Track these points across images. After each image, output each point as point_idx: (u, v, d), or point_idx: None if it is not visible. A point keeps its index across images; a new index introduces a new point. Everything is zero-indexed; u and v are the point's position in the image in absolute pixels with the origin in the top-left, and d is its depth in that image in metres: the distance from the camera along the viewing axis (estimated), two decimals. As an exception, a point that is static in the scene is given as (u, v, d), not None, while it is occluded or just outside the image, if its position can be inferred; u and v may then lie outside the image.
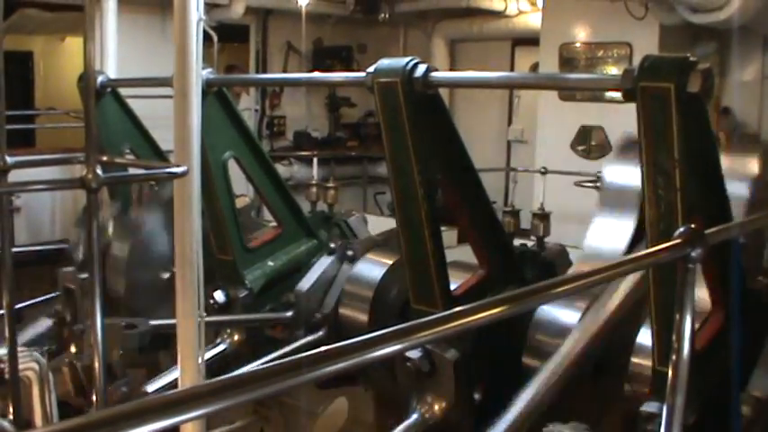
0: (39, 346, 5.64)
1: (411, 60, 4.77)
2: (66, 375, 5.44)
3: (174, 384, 5.24)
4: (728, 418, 4.02)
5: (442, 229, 5.03)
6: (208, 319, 4.82)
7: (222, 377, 1.59)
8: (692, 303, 2.66)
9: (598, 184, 9.48)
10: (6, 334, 4.14)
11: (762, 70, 11.89)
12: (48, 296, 7.18)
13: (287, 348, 5.87)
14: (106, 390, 4.30)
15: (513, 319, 4.33)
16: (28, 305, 7.04)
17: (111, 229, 7.26)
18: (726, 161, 4.42)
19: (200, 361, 3.98)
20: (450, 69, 15.44)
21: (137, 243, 7.00)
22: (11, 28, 13.09)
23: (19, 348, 4.56)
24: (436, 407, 4.84)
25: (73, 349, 5.52)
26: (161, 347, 6.21)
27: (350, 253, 6.29)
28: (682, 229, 2.65)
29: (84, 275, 5.58)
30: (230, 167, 6.46)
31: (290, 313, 6.24)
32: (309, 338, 6.05)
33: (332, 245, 6.51)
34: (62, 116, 13.43)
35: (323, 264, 6.38)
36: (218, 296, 6.24)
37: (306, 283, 6.31)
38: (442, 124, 5.00)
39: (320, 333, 6.10)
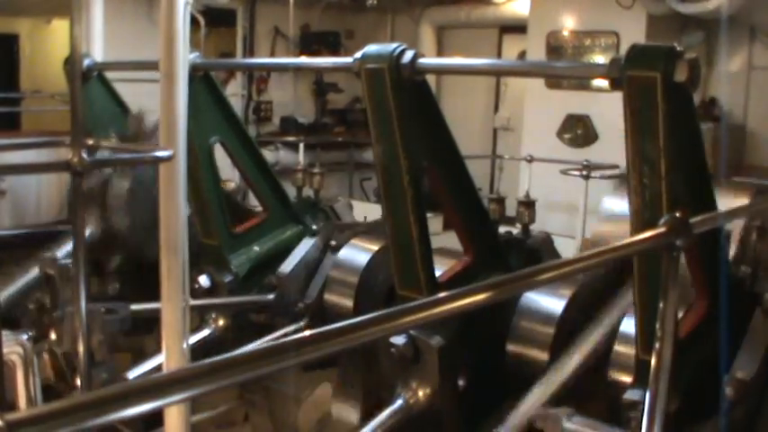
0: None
1: (398, 46, 4.77)
2: (47, 362, 5.43)
3: (158, 369, 5.23)
4: (712, 406, 4.05)
5: (428, 215, 5.04)
6: (193, 302, 4.82)
7: (206, 360, 1.59)
8: (675, 292, 2.68)
9: (584, 173, 9.53)
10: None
11: (748, 60, 11.93)
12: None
13: (273, 335, 5.87)
14: (90, 373, 4.30)
15: (498, 305, 4.34)
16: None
17: None
18: None
19: (184, 345, 3.97)
20: (438, 56, 15.42)
21: (137, 177, 6.96)
22: (-4, 10, 13.04)
23: (3, 332, 4.55)
24: (420, 393, 4.86)
25: (53, 336, 5.50)
26: (146, 332, 6.21)
27: (333, 243, 6.29)
28: (666, 218, 2.66)
29: (66, 261, 5.57)
30: (216, 152, 6.45)
31: (271, 296, 6.25)
32: (294, 326, 6.05)
33: (314, 227, 6.52)
34: (48, 99, 13.39)
35: (305, 246, 6.39)
36: (203, 281, 6.24)
37: (287, 265, 6.32)
38: (428, 111, 5.00)
39: (303, 322, 6.10)
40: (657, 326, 2.71)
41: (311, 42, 16.06)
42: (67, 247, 6.83)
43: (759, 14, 10.54)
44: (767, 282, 4.79)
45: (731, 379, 4.19)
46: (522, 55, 13.72)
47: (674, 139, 3.83)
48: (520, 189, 10.04)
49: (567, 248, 7.93)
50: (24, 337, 4.64)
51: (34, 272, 6.48)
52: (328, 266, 6.23)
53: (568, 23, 12.06)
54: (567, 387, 4.12)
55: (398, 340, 4.80)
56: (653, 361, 2.73)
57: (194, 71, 5.90)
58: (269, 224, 6.71)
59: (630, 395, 4.02)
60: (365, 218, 7.75)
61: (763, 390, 4.33)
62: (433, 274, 4.99)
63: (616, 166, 8.44)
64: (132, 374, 5.48)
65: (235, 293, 6.29)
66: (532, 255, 5.79)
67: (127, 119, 7.40)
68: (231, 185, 7.50)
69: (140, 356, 6.01)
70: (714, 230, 3.87)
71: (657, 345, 2.71)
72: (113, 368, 5.50)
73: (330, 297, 6.11)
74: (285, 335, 5.82)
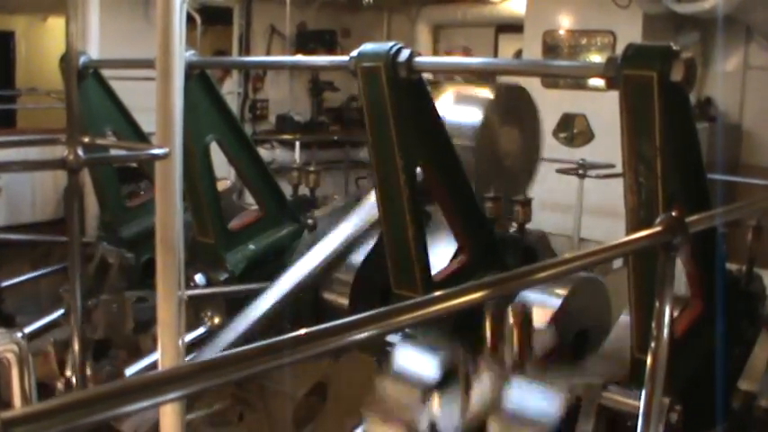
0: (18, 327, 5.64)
1: (394, 45, 4.77)
2: (52, 357, 5.47)
3: (154, 367, 5.23)
4: (708, 404, 4.05)
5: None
6: (189, 292, 4.83)
7: (202, 359, 1.59)
8: (671, 291, 2.68)
9: (580, 172, 9.52)
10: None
11: (744, 60, 11.93)
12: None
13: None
14: (83, 372, 4.29)
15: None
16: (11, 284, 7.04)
17: None
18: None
19: (180, 343, 3.97)
20: (434, 55, 15.41)
21: None
22: (-8, 7, 13.01)
23: (-2, 330, 4.55)
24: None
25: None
26: (141, 330, 6.20)
27: (310, 221, 6.33)
28: (662, 217, 2.66)
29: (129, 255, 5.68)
30: (212, 150, 6.44)
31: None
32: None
33: (310, 221, 6.54)
34: (44, 97, 13.32)
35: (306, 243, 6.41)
36: (199, 279, 6.23)
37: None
38: (424, 109, 5.00)
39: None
40: (653, 325, 2.71)
41: (307, 41, 16.04)
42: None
43: (755, 14, 10.54)
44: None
45: (737, 391, 4.22)
46: (519, 54, 13.70)
47: (670, 138, 3.83)
48: (516, 188, 10.03)
49: (563, 247, 7.92)
50: (19, 335, 4.63)
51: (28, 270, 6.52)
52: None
53: (565, 23, 12.04)
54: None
55: (395, 339, 4.81)
56: (648, 360, 2.73)
57: (190, 69, 5.90)
58: (265, 222, 6.71)
59: (626, 394, 4.03)
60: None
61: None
62: (429, 273, 4.99)
63: (612, 166, 8.42)
64: (127, 372, 5.48)
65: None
66: (528, 253, 5.80)
67: (122, 117, 7.40)
68: (226, 184, 7.51)
69: (136, 354, 6.01)
70: (710, 230, 3.88)
71: (653, 344, 2.72)
72: (117, 362, 5.57)
73: (327, 295, 6.11)
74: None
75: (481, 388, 4.45)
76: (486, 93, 6.40)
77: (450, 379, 4.58)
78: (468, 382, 4.50)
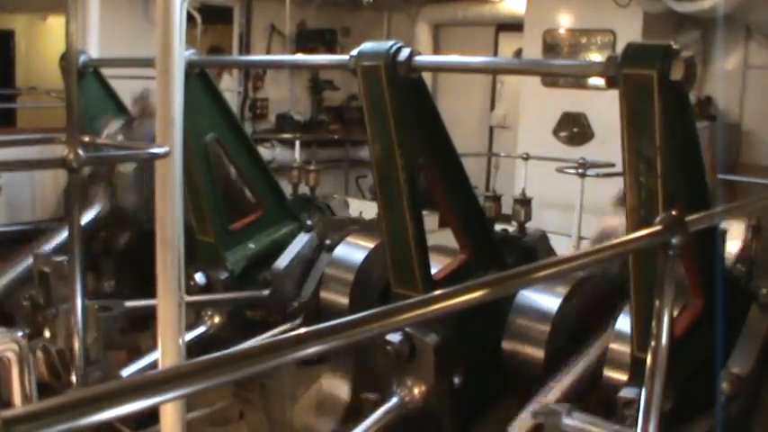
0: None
1: (394, 44, 4.77)
2: (41, 360, 5.42)
3: (154, 366, 5.23)
4: (707, 403, 4.06)
5: (424, 213, 5.04)
6: (188, 298, 4.82)
7: (202, 358, 1.59)
8: (671, 290, 2.68)
9: (580, 171, 9.53)
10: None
11: (744, 59, 11.94)
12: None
13: (268, 333, 5.86)
14: (85, 370, 4.29)
15: (494, 303, 4.34)
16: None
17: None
18: None
19: (180, 343, 3.97)
20: (434, 54, 15.42)
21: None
22: (-8, 6, 13.01)
23: (-1, 329, 4.55)
24: (416, 390, 4.86)
25: (47, 334, 5.50)
26: (141, 329, 6.20)
27: (328, 242, 6.30)
28: (662, 216, 2.66)
29: (60, 258, 5.56)
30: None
31: (266, 292, 6.25)
32: (289, 325, 6.06)
33: (309, 222, 6.52)
34: (44, 96, 13.33)
35: (300, 242, 6.40)
36: (199, 278, 6.23)
37: (282, 261, 6.32)
38: (424, 108, 5.00)
39: (299, 320, 6.10)
40: (653, 324, 2.71)
41: (307, 40, 16.04)
42: (56, 241, 6.85)
43: (755, 13, 10.55)
44: (762, 279, 4.80)
45: (727, 374, 4.20)
46: (519, 53, 13.72)
47: (670, 137, 3.83)
48: (516, 187, 10.05)
49: (563, 246, 7.93)
50: (19, 334, 4.62)
51: (27, 268, 6.48)
52: (323, 265, 6.24)
53: (565, 21, 12.06)
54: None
55: (394, 338, 4.81)
56: (649, 359, 2.74)
57: (190, 68, 5.89)
58: (265, 221, 6.70)
59: (626, 393, 4.03)
60: (360, 213, 7.76)
61: (758, 384, 4.34)
62: (429, 272, 4.99)
63: (612, 165, 8.43)
64: (128, 372, 5.48)
65: (230, 291, 6.29)
66: (528, 253, 5.80)
67: (121, 116, 7.39)
68: None
69: (136, 354, 6.00)
70: (710, 229, 3.88)
71: (653, 343, 2.72)
72: (108, 366, 5.50)
73: (326, 295, 6.11)
74: (282, 333, 5.82)
75: None
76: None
77: None
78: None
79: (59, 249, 6.23)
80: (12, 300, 6.55)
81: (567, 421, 4.02)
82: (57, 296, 5.59)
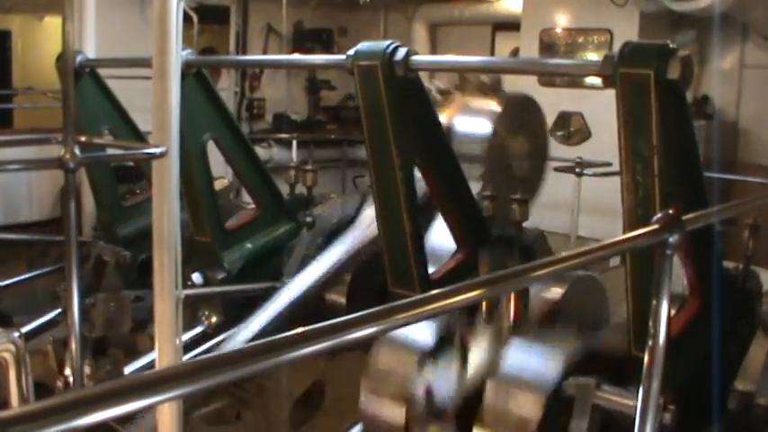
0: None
1: (391, 44, 4.77)
2: (50, 355, 5.47)
3: (151, 366, 5.23)
4: (704, 402, 4.06)
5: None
6: (187, 291, 4.82)
7: (199, 358, 1.59)
8: (668, 289, 2.68)
9: (577, 170, 9.52)
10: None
11: (741, 58, 11.94)
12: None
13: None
14: (81, 371, 4.29)
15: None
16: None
17: None
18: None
19: (177, 342, 3.97)
20: (431, 53, 15.40)
21: None
22: (-12, 7, 12.98)
23: (-5, 329, 4.54)
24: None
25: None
26: (139, 329, 6.20)
27: (308, 219, 6.35)
28: (659, 215, 2.66)
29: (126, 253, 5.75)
30: (209, 149, 6.44)
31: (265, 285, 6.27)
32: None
33: (308, 219, 6.54)
34: (40, 96, 13.30)
35: (304, 242, 6.41)
36: (196, 278, 6.23)
37: (293, 265, 6.34)
38: (421, 108, 5.00)
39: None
40: (650, 323, 2.71)
41: (304, 39, 16.02)
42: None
43: (751, 12, 10.54)
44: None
45: (732, 392, 4.23)
46: (515, 52, 13.70)
47: (666, 136, 3.84)
48: (513, 186, 10.03)
49: (561, 246, 7.92)
50: (16, 334, 4.62)
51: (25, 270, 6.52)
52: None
53: (561, 21, 12.04)
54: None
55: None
56: (645, 358, 2.73)
57: (187, 68, 5.89)
58: (262, 221, 6.71)
59: (620, 393, 4.03)
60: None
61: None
62: (426, 272, 4.99)
63: (609, 164, 8.42)
64: (125, 371, 5.48)
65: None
66: (525, 252, 5.79)
67: (119, 116, 7.39)
68: (224, 182, 7.51)
69: (133, 353, 6.01)
70: (707, 228, 3.88)
71: (650, 342, 2.72)
72: (116, 361, 5.58)
73: (325, 294, 6.12)
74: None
75: (478, 352, 4.46)
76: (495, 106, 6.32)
77: (447, 344, 4.58)
78: (464, 346, 4.51)
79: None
80: (9, 300, 6.58)
81: (600, 393, 4.04)
82: (105, 285, 5.77)
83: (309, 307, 6.08)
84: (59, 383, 5.23)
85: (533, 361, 4.28)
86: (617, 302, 4.68)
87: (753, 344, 4.59)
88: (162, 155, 3.88)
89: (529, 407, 4.16)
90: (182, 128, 4.06)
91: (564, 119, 11.81)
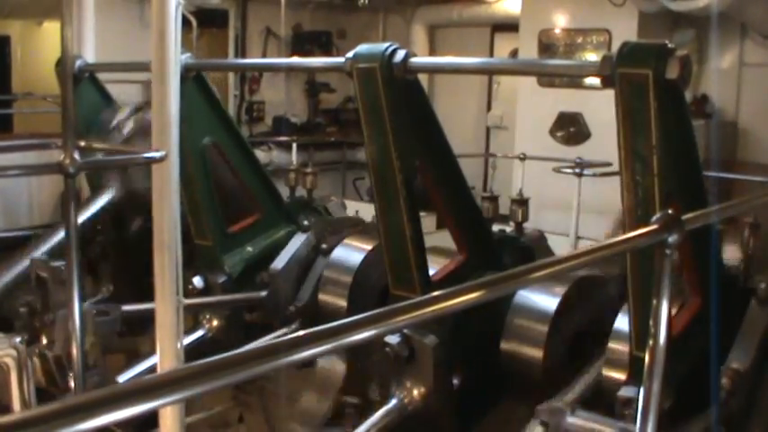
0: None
1: (390, 46, 4.77)
2: (38, 366, 5.42)
3: (152, 370, 5.23)
4: (705, 400, 4.06)
5: (421, 214, 5.04)
6: (187, 301, 4.82)
7: (201, 361, 1.59)
8: (669, 288, 2.68)
9: (576, 170, 9.53)
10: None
11: (740, 57, 11.94)
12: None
13: (267, 337, 5.86)
14: (84, 375, 4.29)
15: (492, 304, 4.35)
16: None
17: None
18: None
19: (179, 346, 3.97)
20: (430, 55, 15.40)
21: None
22: (-13, 12, 12.99)
23: (-3, 335, 4.55)
24: (415, 392, 4.86)
25: (44, 340, 5.50)
26: (140, 333, 6.20)
27: (324, 246, 6.30)
28: (659, 215, 2.67)
29: (58, 263, 5.55)
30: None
31: (264, 293, 6.25)
32: (286, 329, 6.06)
33: (305, 222, 6.53)
34: (40, 101, 13.32)
35: (296, 242, 6.39)
36: (197, 282, 6.23)
37: (279, 262, 6.32)
38: (421, 110, 5.00)
39: (296, 324, 6.10)
40: (651, 322, 2.71)
41: (303, 42, 16.03)
42: (53, 245, 6.84)
43: (750, 11, 10.55)
44: (759, 277, 4.80)
45: (726, 369, 4.21)
46: (514, 53, 13.71)
47: (666, 136, 3.84)
48: (513, 187, 10.04)
49: (561, 246, 7.93)
50: (18, 339, 4.63)
51: (24, 273, 6.49)
52: (320, 267, 6.24)
53: (560, 21, 12.05)
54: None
55: (393, 340, 4.80)
56: (647, 358, 2.74)
57: (186, 72, 5.90)
58: (262, 224, 6.70)
59: (625, 392, 4.03)
60: (356, 212, 7.76)
61: (757, 379, 4.35)
62: (427, 273, 4.99)
63: (609, 164, 8.43)
64: (126, 376, 5.48)
65: (228, 294, 6.28)
66: (526, 253, 5.80)
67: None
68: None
69: (135, 357, 6.00)
70: (706, 227, 3.88)
71: (651, 341, 2.72)
72: (106, 370, 5.50)
73: (323, 297, 6.11)
74: (280, 336, 5.82)
75: None
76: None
77: None
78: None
79: (56, 254, 6.22)
80: (9, 305, 6.55)
81: (572, 420, 4.03)
82: (54, 301, 5.58)
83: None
84: (58, 389, 5.24)
85: None
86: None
87: (747, 316, 4.57)
88: (162, 159, 3.88)
89: None
90: (181, 131, 4.07)
91: (563, 119, 11.81)
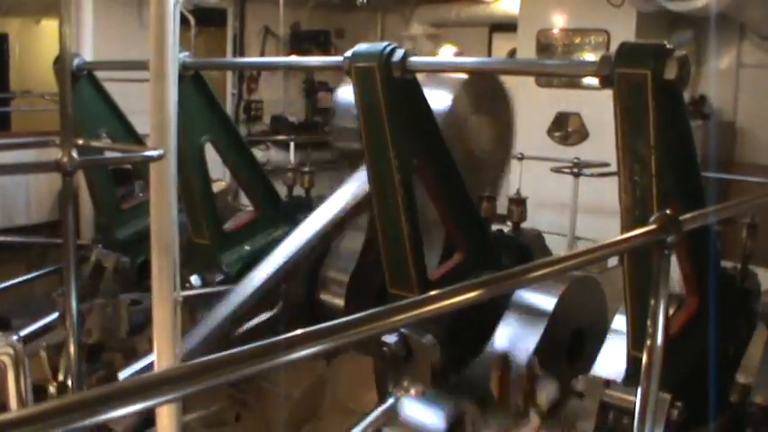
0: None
1: (388, 45, 4.77)
2: (44, 360, 5.46)
3: (150, 369, 5.22)
4: (703, 401, 4.06)
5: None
6: (185, 293, 4.82)
7: (197, 360, 1.59)
8: (666, 289, 2.68)
9: (574, 170, 9.53)
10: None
11: (738, 58, 11.95)
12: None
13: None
14: (81, 373, 4.29)
15: (489, 303, 4.35)
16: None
17: None
18: None
19: (176, 345, 3.96)
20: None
21: None
22: (-15, 10, 12.98)
23: (-7, 333, 4.54)
24: (412, 391, 4.85)
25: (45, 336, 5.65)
26: (137, 332, 6.20)
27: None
28: (657, 215, 2.66)
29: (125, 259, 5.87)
30: (207, 151, 6.44)
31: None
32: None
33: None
34: (38, 99, 13.32)
35: None
36: (195, 280, 6.22)
37: None
38: (419, 109, 5.00)
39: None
40: (648, 323, 2.71)
41: (301, 41, 16.03)
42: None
43: (748, 12, 10.56)
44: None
45: (735, 384, 4.23)
46: (513, 53, 13.71)
47: (664, 136, 3.84)
48: (511, 187, 10.04)
49: (558, 246, 7.94)
50: (15, 338, 4.62)
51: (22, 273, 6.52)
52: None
53: (558, 21, 12.05)
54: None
55: (390, 339, 4.80)
56: (644, 358, 2.74)
57: (184, 70, 5.90)
58: (260, 223, 6.70)
59: (622, 391, 4.03)
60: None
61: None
62: (425, 273, 4.99)
63: (607, 164, 8.44)
64: (123, 374, 5.47)
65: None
66: (524, 252, 5.80)
67: (116, 119, 7.39)
68: (222, 185, 7.50)
69: (131, 357, 6.00)
70: (704, 227, 3.88)
71: (648, 341, 2.72)
72: (111, 365, 5.58)
73: (322, 296, 6.11)
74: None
75: None
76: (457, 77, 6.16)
77: (458, 428, 4.58)
78: None
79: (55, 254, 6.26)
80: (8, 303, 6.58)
81: (609, 391, 4.06)
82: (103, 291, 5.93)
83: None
84: (52, 388, 5.24)
85: None
86: (615, 303, 4.67)
87: (752, 339, 4.59)
88: (160, 157, 3.88)
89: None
90: (179, 130, 4.06)
91: (561, 119, 11.82)
